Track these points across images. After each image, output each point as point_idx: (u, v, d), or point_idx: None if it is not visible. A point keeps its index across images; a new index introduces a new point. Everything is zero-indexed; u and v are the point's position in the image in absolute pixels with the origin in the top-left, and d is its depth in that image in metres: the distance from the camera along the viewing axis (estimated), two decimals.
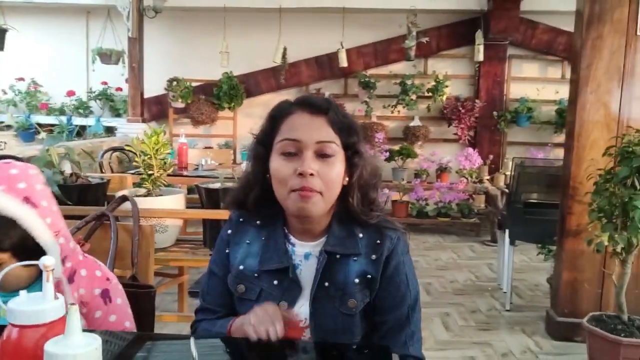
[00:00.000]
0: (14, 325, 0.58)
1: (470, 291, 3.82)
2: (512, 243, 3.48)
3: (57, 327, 0.58)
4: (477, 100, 5.78)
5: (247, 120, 6.04)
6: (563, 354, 2.84)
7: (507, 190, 4.81)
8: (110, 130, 6.04)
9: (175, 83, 5.71)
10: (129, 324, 1.22)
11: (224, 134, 6.09)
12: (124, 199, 1.66)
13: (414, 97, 5.73)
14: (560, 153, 5.51)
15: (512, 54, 5.92)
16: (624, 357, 2.42)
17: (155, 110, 6.08)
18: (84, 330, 0.57)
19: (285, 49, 5.72)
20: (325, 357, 1.06)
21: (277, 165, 1.09)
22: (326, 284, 1.11)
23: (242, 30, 5.94)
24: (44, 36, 6.27)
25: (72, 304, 0.55)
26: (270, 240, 1.16)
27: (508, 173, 5.13)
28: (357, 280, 1.11)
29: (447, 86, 5.74)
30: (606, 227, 2.50)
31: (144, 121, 5.74)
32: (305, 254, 1.15)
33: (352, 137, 1.12)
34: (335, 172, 1.09)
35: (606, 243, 2.50)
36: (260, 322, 0.99)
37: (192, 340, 0.84)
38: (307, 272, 1.14)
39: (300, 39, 5.86)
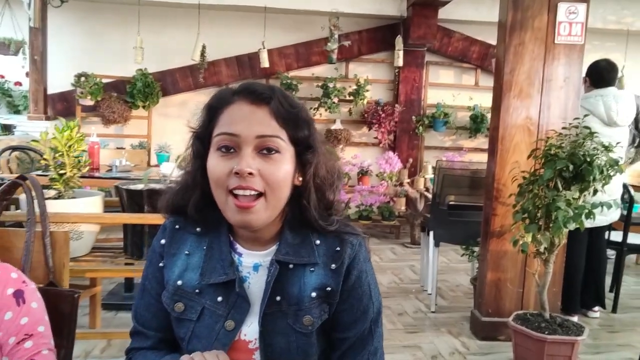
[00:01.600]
0: None
1: (395, 293, 3.83)
2: (436, 245, 3.53)
3: None
4: (396, 105, 5.88)
5: (163, 120, 5.76)
6: (489, 353, 2.89)
7: (426, 193, 4.92)
8: (7, 129, 5.48)
9: (83, 79, 5.29)
10: (44, 329, 1.09)
11: (138, 134, 5.74)
12: (22, 178, 1.38)
13: (335, 100, 5.72)
14: (474, 157, 5.78)
15: (430, 60, 6.08)
16: (548, 354, 2.49)
17: (61, 107, 5.61)
18: None
19: (204, 47, 5.49)
20: None
21: (213, 163, 0.95)
22: (278, 298, 0.97)
23: (158, 26, 5.64)
24: None
25: None
26: (213, 249, 1.00)
27: (427, 176, 5.26)
28: (314, 294, 0.97)
29: (367, 90, 5.79)
30: (530, 227, 2.57)
31: (47, 119, 5.28)
32: (254, 264, 1.00)
33: (302, 131, 0.98)
34: (281, 170, 0.95)
35: (530, 243, 2.58)
36: None
37: None
38: (256, 286, 0.99)
39: (220, 37, 5.66)
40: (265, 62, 5.56)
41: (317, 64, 5.93)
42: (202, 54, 5.50)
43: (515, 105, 2.94)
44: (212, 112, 0.98)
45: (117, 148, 5.26)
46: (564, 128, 2.63)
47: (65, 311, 1.24)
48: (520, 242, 2.59)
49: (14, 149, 3.92)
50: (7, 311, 1.06)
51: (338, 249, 1.00)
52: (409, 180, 5.51)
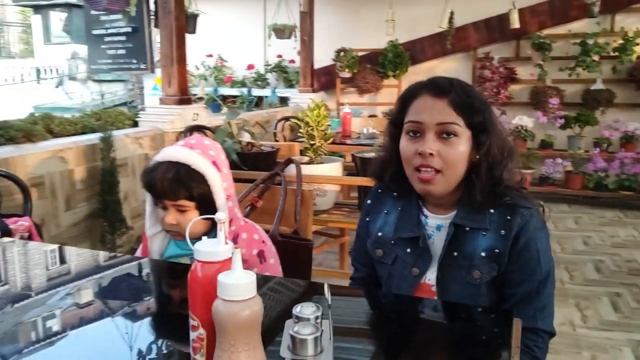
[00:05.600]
0: (198, 261, 0.78)
1: None
2: None
3: (226, 264, 0.76)
4: None
5: None
6: None
7: None
8: (284, 100, 6.53)
9: (342, 53, 5.95)
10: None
11: (388, 102, 6.20)
12: (290, 161, 1.89)
13: (596, 57, 5.20)
14: None
15: None
16: None
17: (324, 80, 6.40)
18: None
19: (452, 13, 5.57)
20: (451, 315, 1.13)
21: (403, 144, 1.20)
22: (455, 253, 1.18)
23: None
24: (227, 16, 6.93)
25: (237, 247, 0.73)
26: (405, 211, 1.26)
27: None
28: (484, 254, 1.16)
29: (637, 44, 5.11)
30: None
31: (314, 91, 6.08)
32: (437, 225, 1.23)
33: (477, 116, 1.16)
34: (457, 151, 1.14)
35: None
36: None
37: (326, 285, 0.98)
38: (438, 242, 1.22)
39: (468, 1, 5.67)
40: (515, 23, 5.35)
41: (576, 19, 5.45)
42: (450, 21, 5.59)
43: None
44: (405, 102, 1.23)
45: (369, 116, 5.79)
46: None
47: (302, 257, 1.61)
48: None
49: (286, 119, 4.73)
50: (253, 268, 1.31)
51: (509, 218, 1.16)
52: None
